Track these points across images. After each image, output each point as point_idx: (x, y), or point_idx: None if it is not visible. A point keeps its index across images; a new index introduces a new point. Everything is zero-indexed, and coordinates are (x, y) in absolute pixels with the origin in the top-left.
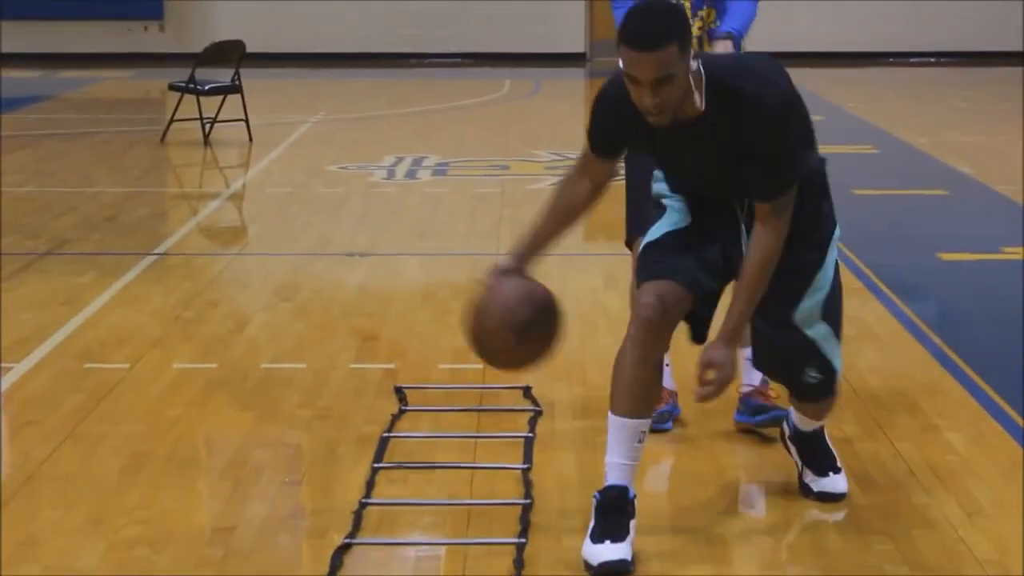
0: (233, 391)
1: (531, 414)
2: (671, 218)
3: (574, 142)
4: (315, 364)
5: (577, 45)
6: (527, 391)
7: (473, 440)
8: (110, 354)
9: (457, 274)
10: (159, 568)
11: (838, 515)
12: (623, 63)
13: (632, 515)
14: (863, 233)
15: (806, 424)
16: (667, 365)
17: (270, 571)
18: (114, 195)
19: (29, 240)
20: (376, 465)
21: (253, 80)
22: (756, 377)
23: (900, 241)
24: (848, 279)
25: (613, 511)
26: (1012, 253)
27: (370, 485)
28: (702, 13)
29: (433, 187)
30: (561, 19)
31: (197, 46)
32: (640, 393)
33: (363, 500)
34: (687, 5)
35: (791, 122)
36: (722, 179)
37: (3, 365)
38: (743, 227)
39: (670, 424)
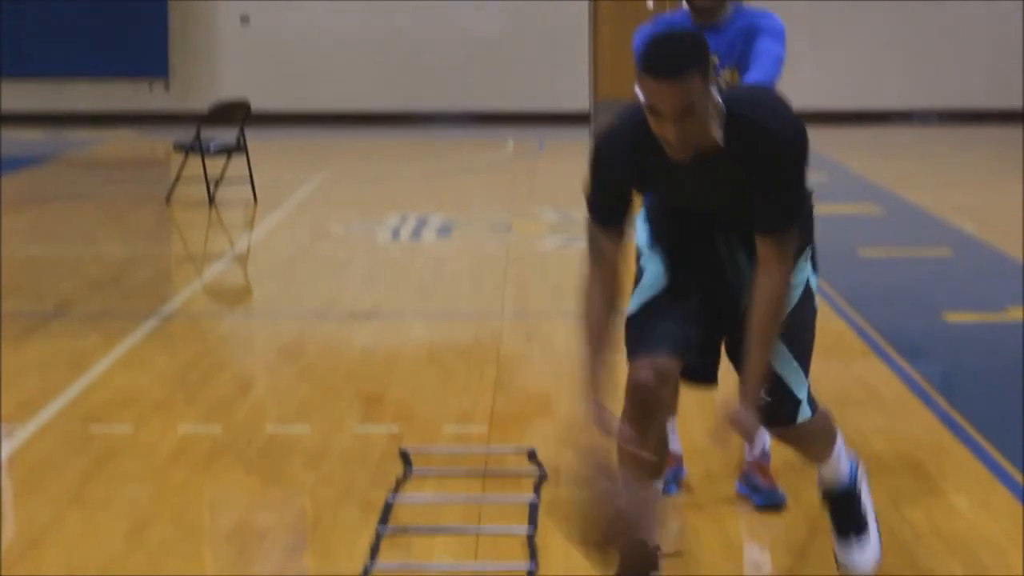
0: (238, 454)
1: (536, 478)
2: (648, 282)
3: (578, 201)
4: (320, 427)
5: (581, 105)
6: (532, 455)
7: (478, 504)
8: (115, 417)
9: (462, 336)
10: None
11: None
12: (643, 94)
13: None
14: (868, 294)
15: (824, 481)
16: (673, 431)
17: None
18: (119, 256)
19: (34, 302)
20: (381, 529)
21: (258, 139)
22: (756, 447)
23: (904, 302)
24: (853, 341)
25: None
26: (1017, 313)
27: (375, 550)
28: (725, 73)
29: (438, 247)
30: (565, 79)
31: (202, 105)
32: (649, 462)
33: (368, 565)
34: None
35: (805, 155)
36: (727, 209)
37: (7, 428)
38: (728, 259)
39: (674, 488)
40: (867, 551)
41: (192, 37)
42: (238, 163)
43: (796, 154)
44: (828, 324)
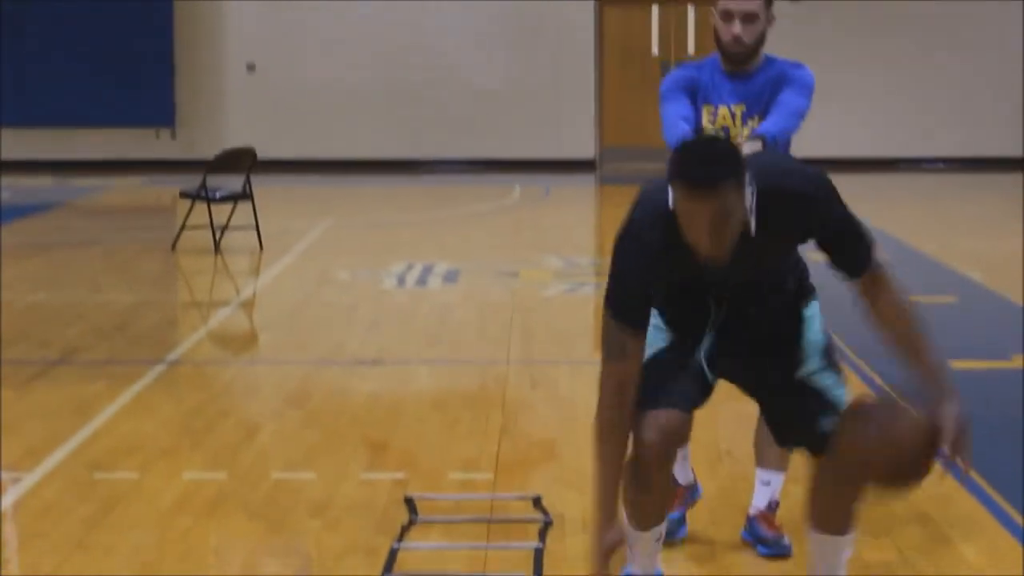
0: (243, 501)
1: (541, 524)
2: (651, 337)
3: (584, 249)
4: (325, 474)
5: (587, 152)
6: (537, 501)
7: (483, 551)
8: (120, 464)
9: (468, 382)
10: None
11: None
12: (677, 206)
13: None
14: (874, 342)
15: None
16: (685, 458)
17: None
18: (125, 303)
19: (40, 349)
20: None
21: (264, 187)
22: (763, 500)
23: None
24: (859, 389)
25: None
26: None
27: None
28: (752, 123)
29: (443, 294)
30: (571, 126)
31: (208, 153)
32: (654, 510)
33: None
34: (739, 112)
35: (835, 194)
36: (753, 277)
37: (12, 475)
38: (714, 311)
39: (684, 530)
40: None
41: (198, 85)
42: (244, 210)
43: (830, 199)
44: None
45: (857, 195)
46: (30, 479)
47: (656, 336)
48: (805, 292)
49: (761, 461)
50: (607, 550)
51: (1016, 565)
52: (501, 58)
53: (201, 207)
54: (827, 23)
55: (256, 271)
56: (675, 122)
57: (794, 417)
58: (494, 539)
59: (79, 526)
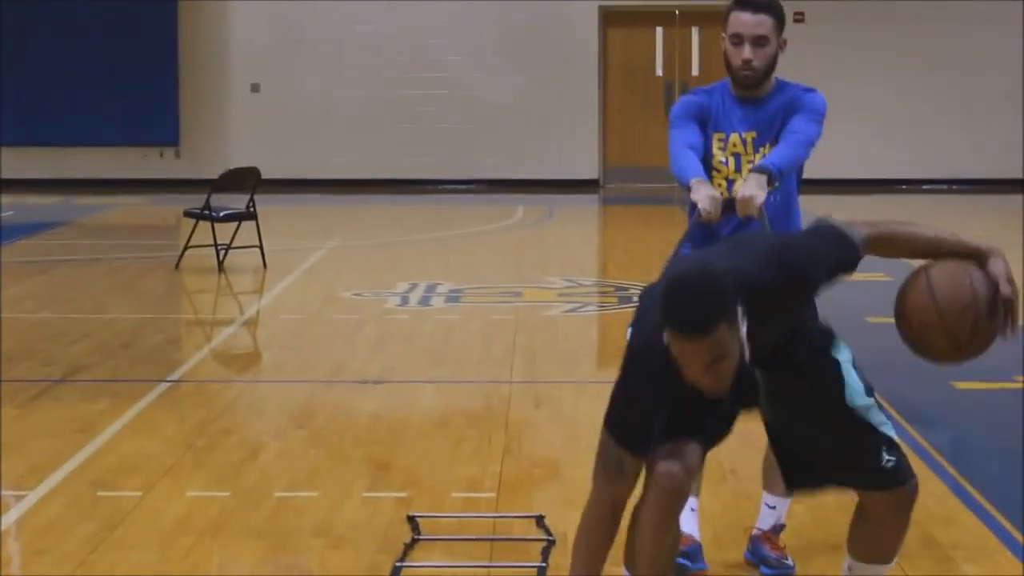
0: (246, 519)
1: (544, 544)
2: None
3: (587, 268)
4: (328, 492)
5: (591, 172)
6: (540, 520)
7: (486, 570)
8: (123, 482)
9: (471, 402)
10: None
11: None
12: (672, 347)
13: None
14: (876, 361)
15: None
16: (693, 510)
17: None
18: (129, 321)
19: (43, 367)
20: None
21: (268, 206)
22: (767, 522)
23: (913, 370)
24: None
25: None
26: None
27: None
28: (764, 149)
29: (447, 314)
30: (574, 146)
31: (212, 172)
32: (663, 559)
33: None
34: (750, 139)
35: (806, 246)
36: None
37: (16, 493)
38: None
39: (704, 564)
40: None
41: (203, 105)
42: (248, 229)
43: (804, 266)
44: None
45: (860, 216)
46: (33, 497)
47: None
48: (825, 334)
49: (769, 486)
50: None
51: None
52: (505, 78)
53: (205, 226)
54: (828, 43)
55: (260, 290)
56: (681, 151)
57: (855, 456)
58: (497, 558)
59: (82, 544)
